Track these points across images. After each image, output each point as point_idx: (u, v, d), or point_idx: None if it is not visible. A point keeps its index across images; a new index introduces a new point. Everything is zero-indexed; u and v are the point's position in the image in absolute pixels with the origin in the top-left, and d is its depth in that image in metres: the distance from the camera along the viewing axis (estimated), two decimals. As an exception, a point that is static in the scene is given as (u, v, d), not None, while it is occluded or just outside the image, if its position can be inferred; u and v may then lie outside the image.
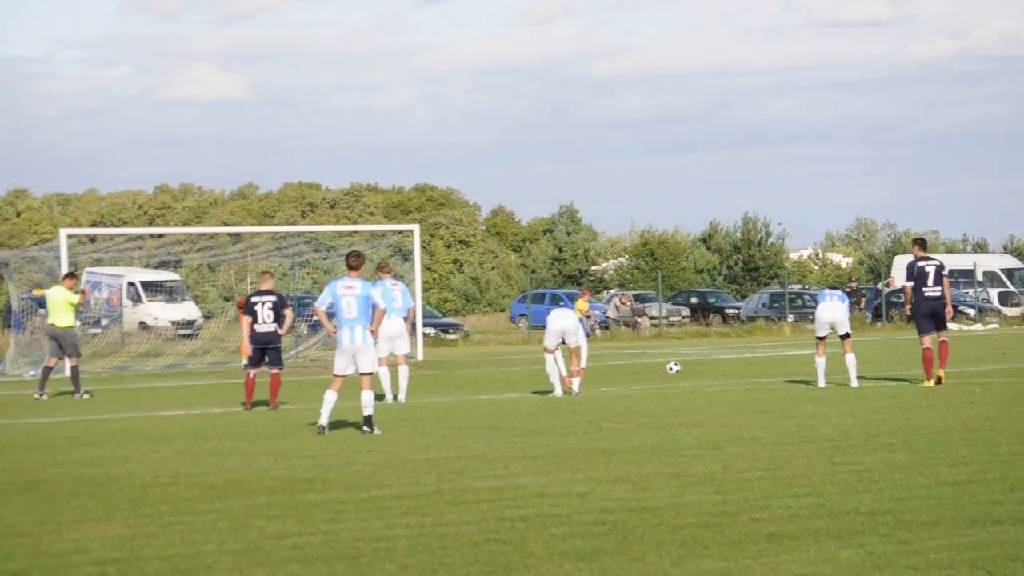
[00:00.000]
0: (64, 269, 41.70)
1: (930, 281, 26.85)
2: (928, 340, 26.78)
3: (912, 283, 26.91)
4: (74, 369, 30.38)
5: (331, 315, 20.90)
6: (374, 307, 20.30)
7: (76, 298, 30.55)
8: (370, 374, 20.20)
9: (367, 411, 20.06)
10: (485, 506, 12.99)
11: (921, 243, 27.86)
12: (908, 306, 27.28)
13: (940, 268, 27.05)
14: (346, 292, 20.23)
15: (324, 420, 20.13)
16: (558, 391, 26.66)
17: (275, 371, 25.88)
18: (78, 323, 31.78)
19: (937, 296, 26.84)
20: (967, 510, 12.18)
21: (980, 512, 12.07)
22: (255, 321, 25.88)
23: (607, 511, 12.52)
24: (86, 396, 29.89)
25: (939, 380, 26.40)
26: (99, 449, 19.00)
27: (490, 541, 11.23)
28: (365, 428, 19.98)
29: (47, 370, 30.78)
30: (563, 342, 26.56)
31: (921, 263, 27.02)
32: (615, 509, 12.61)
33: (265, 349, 25.95)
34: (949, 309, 27.06)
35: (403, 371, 26.29)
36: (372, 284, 21.14)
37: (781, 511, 12.30)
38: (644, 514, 12.30)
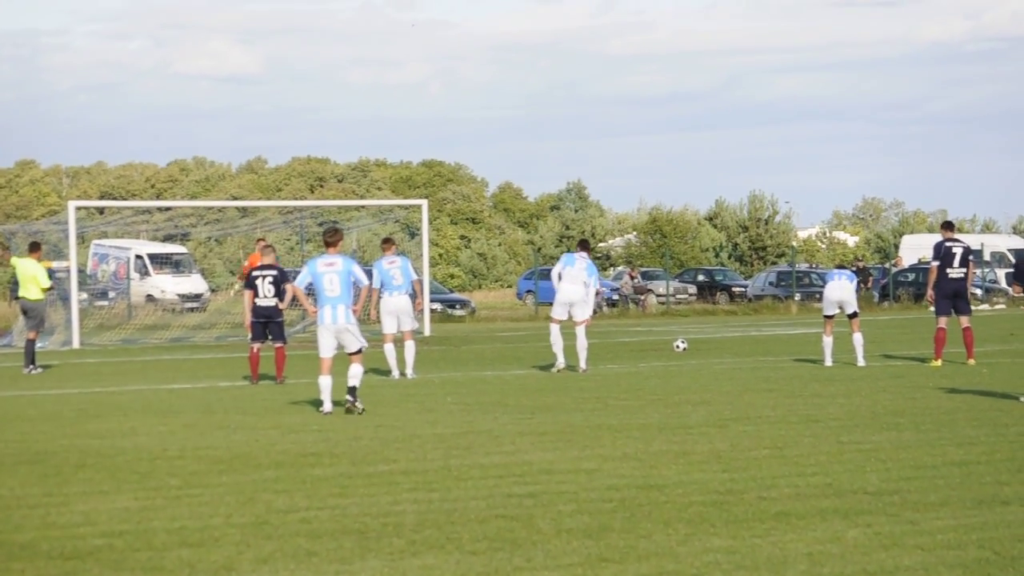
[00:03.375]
0: (73, 242, 41.75)
1: (956, 263, 26.90)
2: (944, 321, 26.83)
3: (938, 263, 26.89)
4: (30, 343, 29.89)
5: (310, 294, 20.48)
6: (356, 284, 19.96)
7: (47, 282, 29.96)
8: (359, 352, 19.65)
9: (352, 381, 19.45)
10: (492, 482, 13.01)
11: (949, 225, 28.08)
12: (931, 289, 27.11)
13: (967, 251, 27.09)
14: (327, 269, 19.66)
15: (328, 406, 19.57)
16: (560, 362, 26.66)
17: (279, 345, 25.89)
18: (48, 297, 31.12)
19: (959, 278, 26.88)
20: (974, 490, 12.19)
21: (987, 492, 12.09)
22: (256, 295, 25.87)
23: (614, 488, 12.53)
24: (36, 371, 29.25)
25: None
26: (106, 422, 19.03)
27: (497, 517, 11.24)
28: (348, 397, 19.42)
29: (30, 343, 30.05)
30: (571, 317, 26.60)
31: (948, 244, 27.07)
32: (622, 486, 12.62)
33: (267, 323, 25.94)
34: (970, 289, 27.15)
35: (410, 347, 26.26)
36: (353, 260, 20.65)
37: (788, 490, 12.31)
38: (651, 491, 12.32)
